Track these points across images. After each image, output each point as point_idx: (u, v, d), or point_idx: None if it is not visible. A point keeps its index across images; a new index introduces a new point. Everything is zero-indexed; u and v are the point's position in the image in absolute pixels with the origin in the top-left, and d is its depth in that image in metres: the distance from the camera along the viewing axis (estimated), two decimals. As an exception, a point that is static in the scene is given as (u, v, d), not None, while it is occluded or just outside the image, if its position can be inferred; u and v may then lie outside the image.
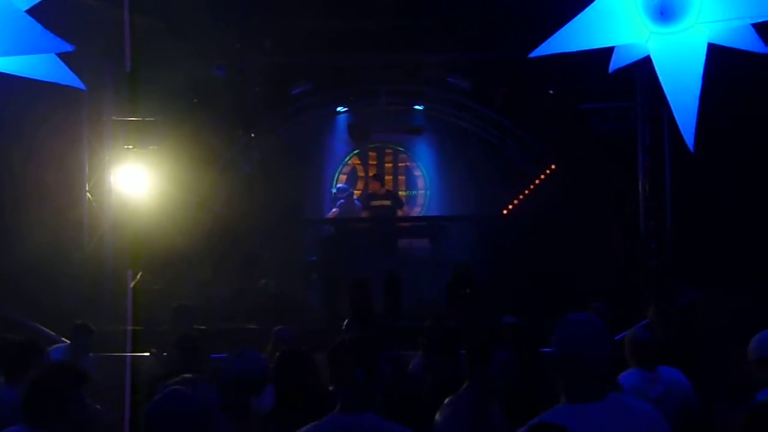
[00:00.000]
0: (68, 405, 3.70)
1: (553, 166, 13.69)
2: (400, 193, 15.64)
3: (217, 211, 13.74)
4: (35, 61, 4.42)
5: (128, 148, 11.97)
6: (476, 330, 4.94)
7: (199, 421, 3.37)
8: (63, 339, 8.27)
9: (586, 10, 3.62)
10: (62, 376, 3.83)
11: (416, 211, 15.87)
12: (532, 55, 3.79)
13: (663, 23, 3.50)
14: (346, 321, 5.92)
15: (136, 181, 11.85)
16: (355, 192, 15.51)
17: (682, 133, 3.33)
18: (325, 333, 8.75)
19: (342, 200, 14.64)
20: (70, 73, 4.63)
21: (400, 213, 14.62)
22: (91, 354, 7.81)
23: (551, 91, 12.90)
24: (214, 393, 3.85)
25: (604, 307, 6.84)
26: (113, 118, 11.89)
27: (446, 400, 4.09)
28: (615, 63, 3.82)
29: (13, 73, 4.47)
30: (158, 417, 3.28)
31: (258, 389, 4.65)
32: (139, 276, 11.16)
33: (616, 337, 6.59)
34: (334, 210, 14.69)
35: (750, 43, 3.48)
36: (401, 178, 15.91)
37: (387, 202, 14.28)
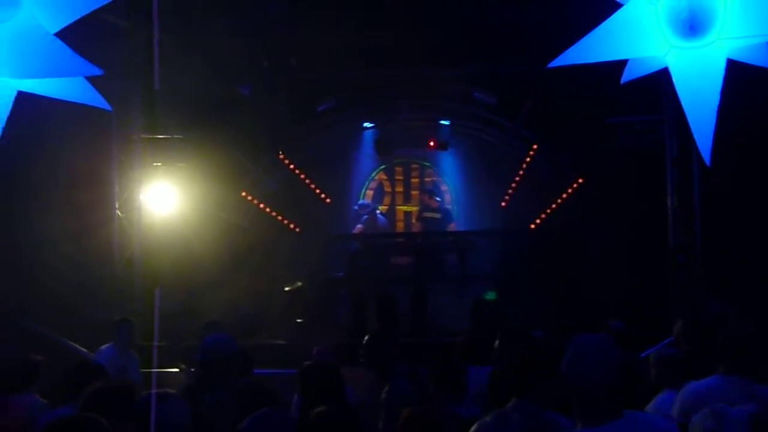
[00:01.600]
0: (122, 423, 3.76)
1: (580, 180, 13.65)
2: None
3: (244, 227, 13.83)
4: (62, 83, 4.48)
5: (157, 166, 12.10)
6: (546, 345, 4.90)
7: None
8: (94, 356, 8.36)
9: (605, 21, 3.63)
10: (115, 395, 3.90)
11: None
12: (551, 65, 3.80)
13: (689, 38, 3.50)
14: (366, 337, 5.93)
15: (165, 199, 11.95)
16: (382, 207, 15.55)
17: (699, 146, 3.33)
18: (353, 348, 8.79)
19: (366, 216, 14.72)
20: (97, 94, 4.69)
21: (450, 228, 14.74)
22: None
23: (578, 105, 12.86)
24: (183, 409, 3.82)
25: (620, 324, 6.77)
26: (142, 136, 12.03)
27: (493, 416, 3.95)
28: (628, 74, 3.82)
29: (40, 94, 4.54)
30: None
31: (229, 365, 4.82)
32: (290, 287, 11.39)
33: (642, 354, 6.55)
34: (358, 226, 14.77)
35: (765, 59, 3.48)
36: (425, 193, 15.91)
37: (438, 215, 14.50)
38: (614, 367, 3.15)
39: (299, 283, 12.55)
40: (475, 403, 5.17)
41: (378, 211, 15.21)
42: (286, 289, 12.49)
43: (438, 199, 15.09)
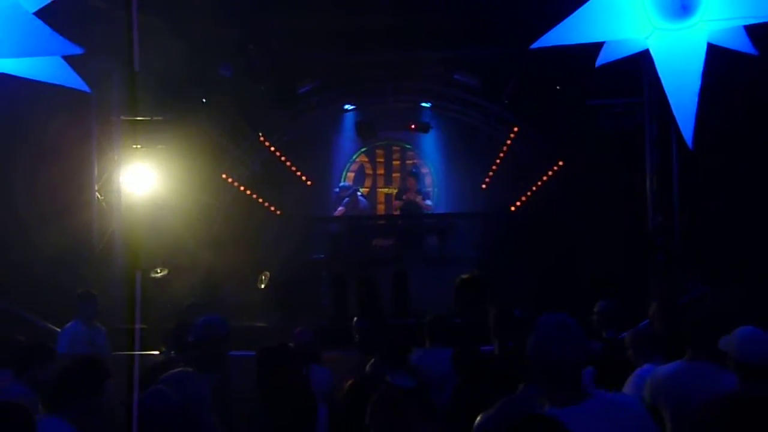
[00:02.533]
0: (93, 397, 3.82)
1: (560, 162, 13.69)
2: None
3: (224, 209, 13.79)
4: (40, 63, 4.44)
5: (137, 148, 12.03)
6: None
7: (186, 416, 3.46)
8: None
9: (587, 3, 3.62)
10: (92, 369, 3.96)
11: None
12: (534, 46, 3.80)
13: (679, 18, 3.49)
14: (355, 318, 6.03)
15: (145, 180, 11.90)
16: (363, 189, 15.55)
17: (681, 129, 3.35)
18: (334, 330, 8.82)
19: (347, 198, 14.72)
20: (75, 75, 4.65)
21: (426, 209, 14.80)
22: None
23: (558, 87, 12.90)
24: (206, 384, 3.99)
25: (611, 302, 6.79)
26: (122, 117, 11.94)
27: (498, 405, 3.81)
28: (603, 57, 3.82)
29: (17, 75, 4.50)
30: (144, 414, 3.38)
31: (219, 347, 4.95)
32: (154, 273, 11.29)
33: (621, 335, 6.60)
34: (340, 209, 14.76)
35: (741, 44, 3.50)
36: (406, 175, 15.92)
37: (418, 199, 14.55)
38: (582, 346, 3.14)
39: (267, 273, 12.40)
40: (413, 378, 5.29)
41: (359, 193, 15.20)
42: (261, 285, 12.37)
43: (419, 182, 15.10)
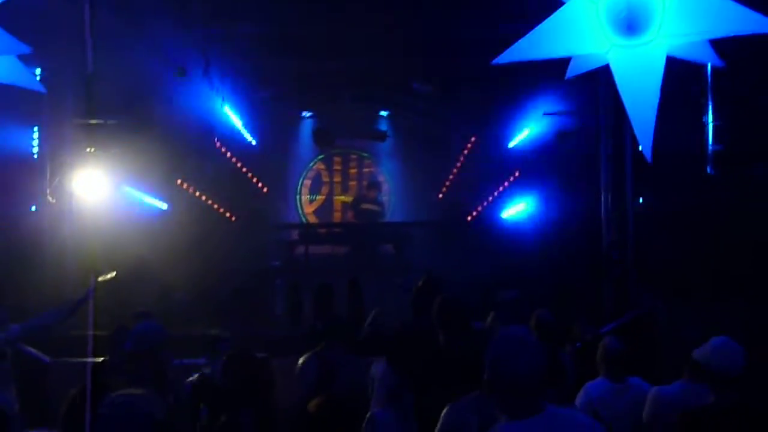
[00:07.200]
0: None
1: (517, 173, 13.76)
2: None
3: (179, 215, 13.64)
4: (-7, 63, 4.33)
5: (90, 152, 11.83)
6: None
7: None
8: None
9: (547, 19, 3.63)
10: None
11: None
12: (495, 62, 3.79)
13: (628, 36, 3.52)
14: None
15: (98, 185, 11.70)
16: (319, 197, 15.51)
17: (641, 144, 3.38)
18: (289, 339, 8.76)
19: None
20: (30, 74, 4.53)
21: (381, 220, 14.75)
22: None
23: (517, 98, 12.97)
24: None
25: (548, 314, 6.81)
26: (75, 120, 11.75)
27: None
28: (572, 70, 3.84)
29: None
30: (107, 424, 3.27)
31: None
32: (103, 278, 11.06)
33: (577, 345, 6.64)
34: None
35: (706, 56, 3.54)
36: (365, 183, 15.91)
37: (376, 208, 14.44)
38: (541, 361, 3.13)
39: (114, 273, 12.08)
40: None
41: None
42: (99, 279, 12.08)
43: (379, 194, 15.04)
